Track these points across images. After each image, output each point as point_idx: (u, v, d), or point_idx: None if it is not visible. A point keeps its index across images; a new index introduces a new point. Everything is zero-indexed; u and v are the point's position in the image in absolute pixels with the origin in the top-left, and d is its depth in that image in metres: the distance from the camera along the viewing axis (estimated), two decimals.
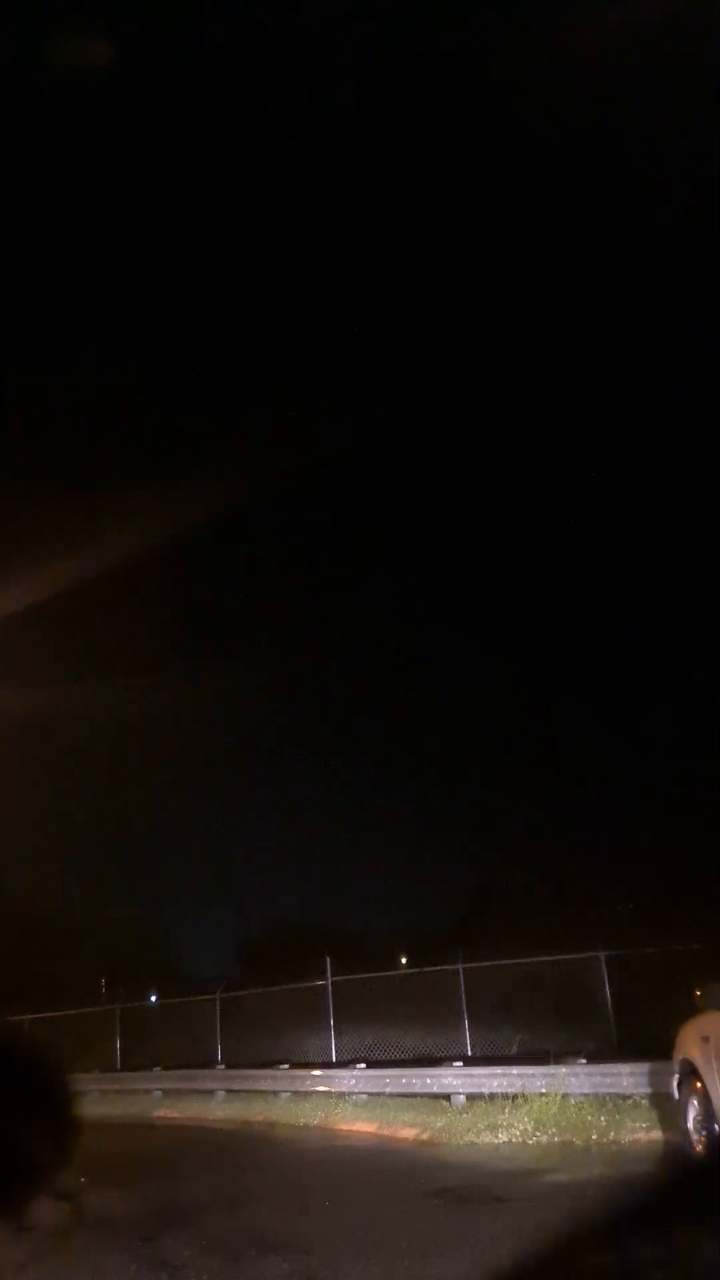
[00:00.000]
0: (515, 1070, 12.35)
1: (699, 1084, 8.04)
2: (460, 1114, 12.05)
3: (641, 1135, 10.03)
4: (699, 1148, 8.09)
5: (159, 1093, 18.61)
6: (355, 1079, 14.67)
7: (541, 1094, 11.58)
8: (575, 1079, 11.60)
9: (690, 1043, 8.33)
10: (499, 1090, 12.21)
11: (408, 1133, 11.90)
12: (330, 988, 16.75)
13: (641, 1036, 11.80)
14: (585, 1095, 11.35)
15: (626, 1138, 10.04)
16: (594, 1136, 10.17)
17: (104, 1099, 18.44)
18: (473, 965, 15.10)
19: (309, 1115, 14.07)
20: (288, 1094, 15.71)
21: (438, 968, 15.71)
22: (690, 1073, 8.28)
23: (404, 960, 21.22)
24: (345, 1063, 15.65)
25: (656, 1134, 9.89)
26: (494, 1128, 11.02)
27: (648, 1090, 10.82)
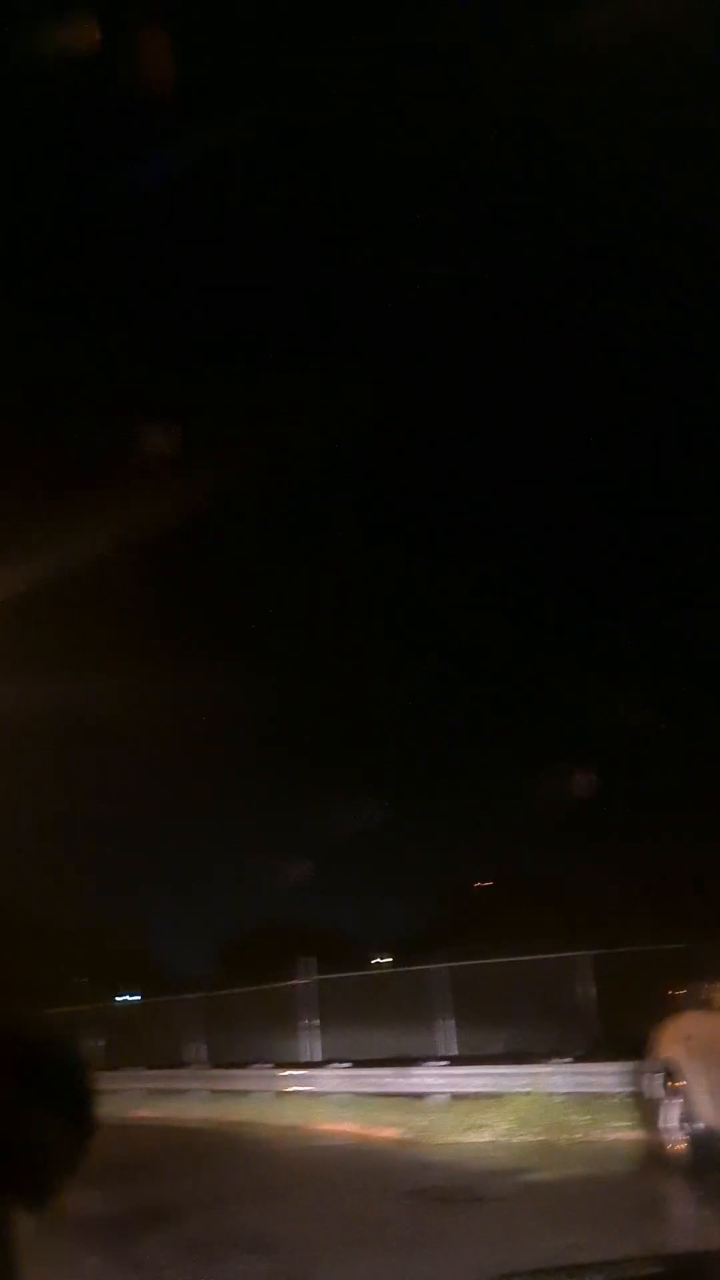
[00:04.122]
0: (498, 1070, 12.31)
1: (680, 1083, 8.04)
2: (443, 1114, 12.01)
3: (623, 1134, 10.01)
4: (679, 1146, 8.10)
5: (139, 1092, 18.47)
6: (337, 1079, 14.59)
7: (524, 1094, 11.55)
8: (558, 1079, 11.57)
9: (672, 1042, 8.34)
10: (482, 1090, 12.17)
11: (389, 1133, 11.85)
12: (313, 987, 16.67)
13: (626, 1036, 11.77)
14: (568, 1095, 11.32)
15: (608, 1137, 10.02)
16: (576, 1136, 10.15)
17: None
18: (456, 964, 15.04)
19: (290, 1115, 13.99)
20: (269, 1094, 15.63)
21: (421, 967, 15.65)
22: (671, 1072, 8.28)
23: (388, 959, 21.20)
24: (327, 1062, 15.57)
25: (638, 1133, 9.87)
26: (476, 1127, 10.98)
27: (630, 1090, 10.78)
